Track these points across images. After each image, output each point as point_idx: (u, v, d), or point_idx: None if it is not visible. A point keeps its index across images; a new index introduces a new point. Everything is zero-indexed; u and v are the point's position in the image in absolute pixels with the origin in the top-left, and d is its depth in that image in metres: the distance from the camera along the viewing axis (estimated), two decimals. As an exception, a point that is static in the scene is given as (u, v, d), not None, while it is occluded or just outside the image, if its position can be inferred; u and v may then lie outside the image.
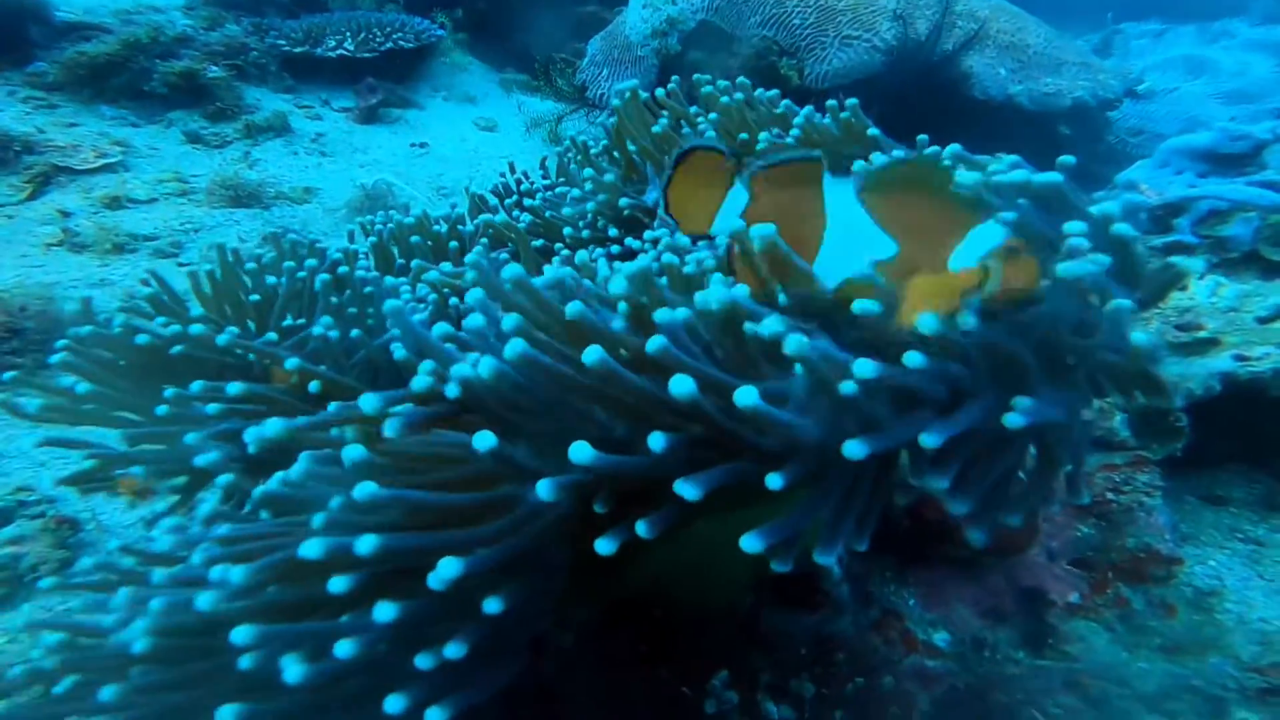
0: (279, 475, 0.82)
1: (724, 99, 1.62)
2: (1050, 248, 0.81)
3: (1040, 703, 1.15)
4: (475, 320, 0.83)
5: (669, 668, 1.12)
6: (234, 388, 1.07)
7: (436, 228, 1.85)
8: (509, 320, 0.80)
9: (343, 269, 1.45)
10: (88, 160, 3.58)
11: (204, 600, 0.73)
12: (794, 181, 0.99)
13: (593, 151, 1.92)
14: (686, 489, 0.69)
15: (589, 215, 1.73)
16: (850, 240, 0.92)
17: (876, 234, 0.90)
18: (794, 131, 1.46)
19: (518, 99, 5.55)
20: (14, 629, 1.58)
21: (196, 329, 1.22)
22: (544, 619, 0.89)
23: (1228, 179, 2.08)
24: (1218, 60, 5.92)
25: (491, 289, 0.87)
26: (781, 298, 0.87)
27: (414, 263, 1.60)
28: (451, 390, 0.78)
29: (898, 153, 1.36)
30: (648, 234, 1.65)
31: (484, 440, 0.72)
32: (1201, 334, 1.65)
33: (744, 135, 1.57)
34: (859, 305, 0.78)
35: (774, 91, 1.68)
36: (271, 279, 1.42)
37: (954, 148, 1.07)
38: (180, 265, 3.08)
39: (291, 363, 1.12)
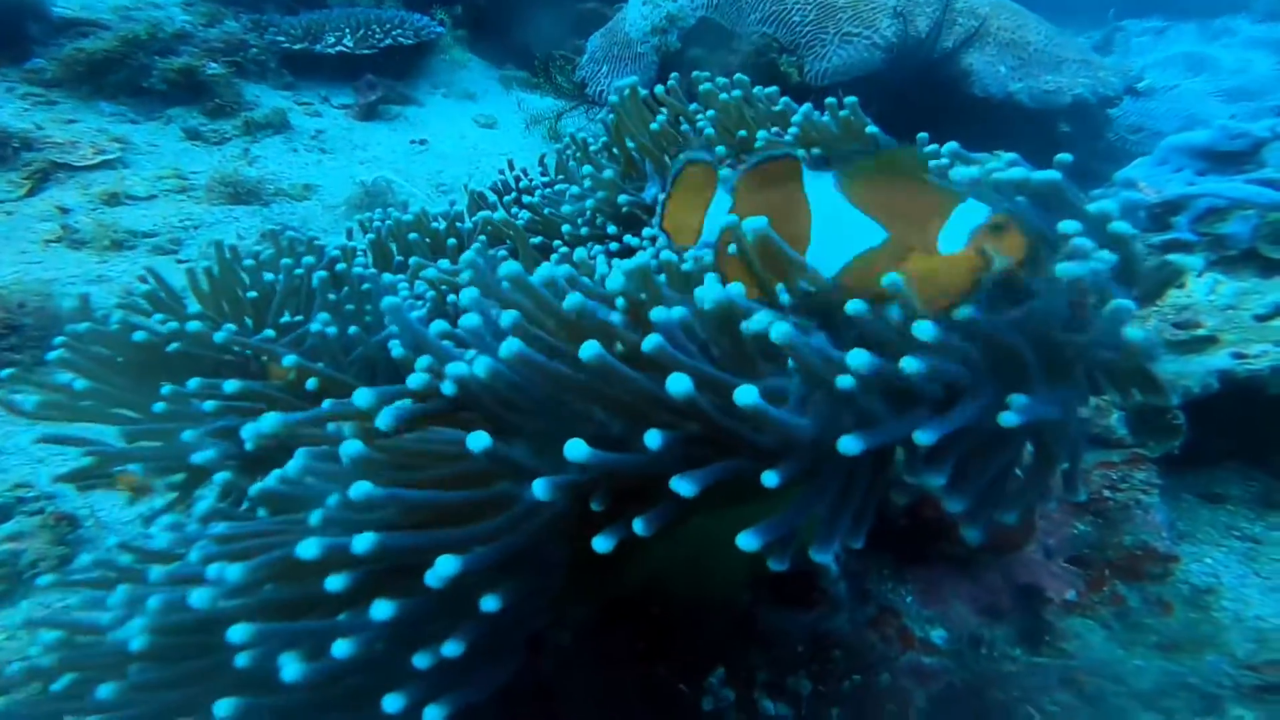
0: (276, 473, 0.82)
1: (723, 96, 1.62)
2: (1048, 245, 0.81)
3: (1037, 700, 1.16)
4: (471, 320, 0.83)
5: (666, 665, 1.12)
6: (231, 385, 1.07)
7: (435, 225, 1.85)
8: (507, 316, 0.80)
9: (340, 266, 1.45)
10: (86, 157, 3.57)
11: (201, 598, 0.73)
12: (774, 180, 1.00)
13: (592, 149, 1.92)
14: (682, 485, 0.69)
15: (588, 213, 1.73)
16: (838, 230, 0.93)
17: (864, 222, 0.91)
18: (792, 130, 1.46)
19: (517, 96, 5.54)
20: (13, 626, 1.58)
21: (194, 326, 1.22)
22: (541, 617, 0.89)
23: (1226, 177, 2.08)
24: (1219, 57, 5.91)
25: (487, 287, 0.87)
26: (784, 298, 0.87)
27: (412, 260, 1.60)
28: (448, 388, 0.78)
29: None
30: (646, 231, 1.65)
31: (478, 440, 0.72)
32: (1199, 332, 1.65)
33: (742, 133, 1.57)
34: (852, 306, 0.78)
35: (773, 88, 1.68)
36: (269, 276, 1.42)
37: (951, 145, 1.07)
38: (179, 262, 3.08)
39: (289, 359, 1.12)
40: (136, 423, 1.18)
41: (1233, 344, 1.62)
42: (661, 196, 1.29)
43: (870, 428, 0.70)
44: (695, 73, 1.76)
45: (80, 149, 3.60)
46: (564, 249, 1.68)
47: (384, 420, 0.78)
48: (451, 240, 1.77)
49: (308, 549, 0.69)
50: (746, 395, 0.69)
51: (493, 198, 2.05)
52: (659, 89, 1.79)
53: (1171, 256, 0.82)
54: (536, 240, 1.77)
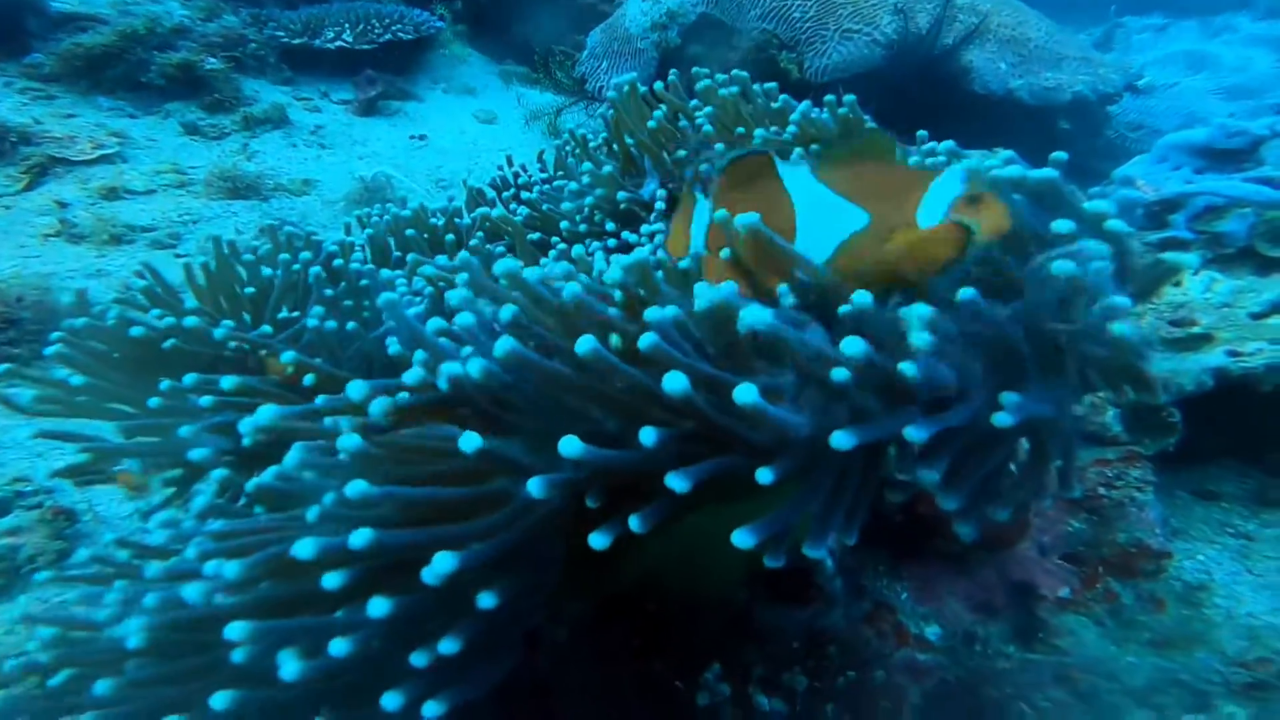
0: (273, 469, 0.82)
1: (721, 92, 1.62)
2: (1041, 242, 0.81)
3: (1030, 696, 1.16)
4: (465, 318, 0.84)
5: (662, 661, 1.12)
6: (228, 381, 1.07)
7: (433, 221, 1.85)
8: (504, 313, 0.80)
9: (338, 262, 1.45)
10: (85, 151, 3.57)
11: (198, 595, 0.74)
12: (750, 177, 1.01)
13: (591, 145, 1.92)
14: (676, 481, 0.70)
15: (586, 209, 1.73)
16: (822, 218, 0.94)
17: (845, 207, 0.92)
18: (791, 128, 1.46)
19: (517, 91, 5.53)
20: (11, 620, 1.59)
21: (191, 321, 1.22)
22: (538, 614, 0.89)
23: (1224, 175, 2.08)
24: (1219, 55, 5.91)
25: (481, 286, 0.87)
26: (788, 300, 0.87)
27: (410, 257, 1.60)
28: (443, 385, 0.78)
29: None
30: (644, 228, 1.66)
31: (470, 441, 0.72)
32: (1195, 330, 1.65)
33: (740, 129, 1.57)
34: (844, 309, 0.79)
35: (772, 84, 1.68)
36: (267, 271, 1.42)
37: (948, 144, 1.07)
38: (178, 256, 3.08)
39: (287, 356, 1.12)
40: (133, 418, 1.18)
41: (1228, 342, 1.62)
42: (667, 227, 1.31)
43: (863, 424, 0.71)
44: (695, 69, 1.76)
45: (78, 144, 3.60)
46: (562, 245, 1.68)
47: (376, 408, 0.78)
48: (450, 236, 1.77)
49: (304, 549, 0.69)
50: (746, 394, 0.69)
51: (491, 194, 2.05)
52: (659, 85, 1.79)
53: (1165, 254, 0.82)
54: (535, 236, 1.77)
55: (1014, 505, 0.77)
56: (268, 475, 0.83)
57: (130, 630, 0.77)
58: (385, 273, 1.51)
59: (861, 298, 0.78)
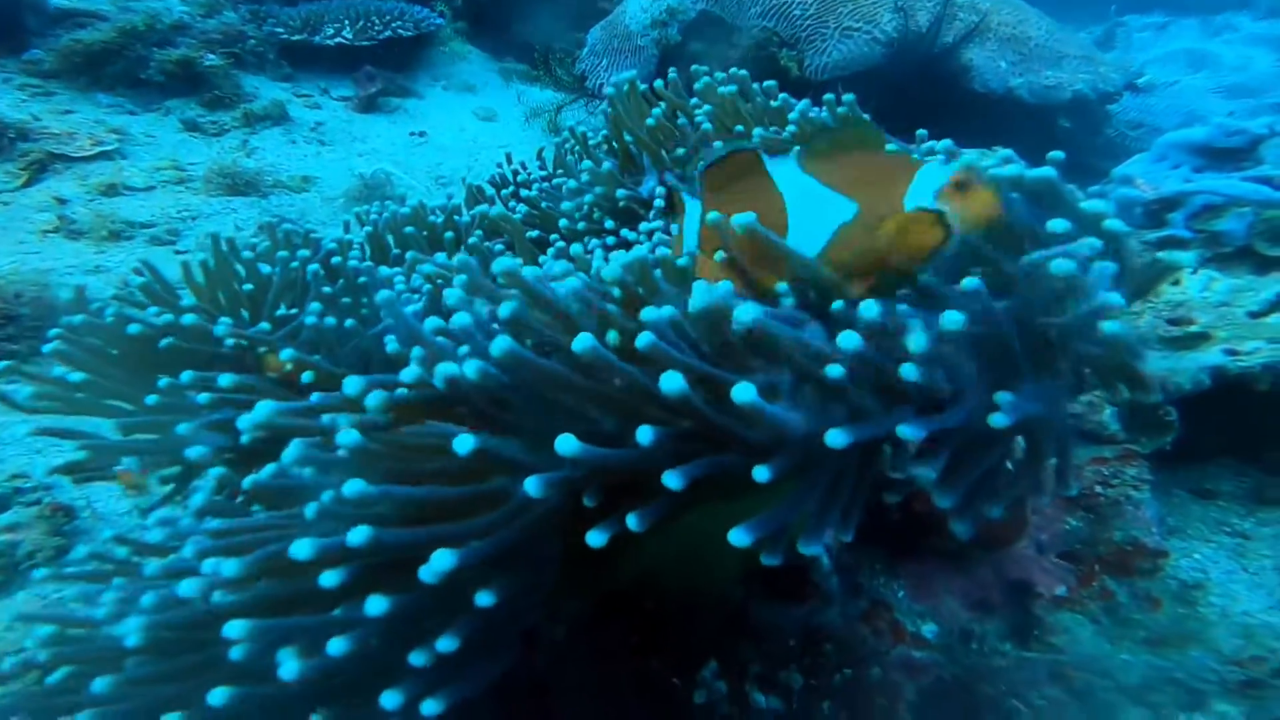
0: (270, 466, 0.82)
1: (720, 89, 1.62)
2: (1036, 240, 0.81)
3: (1025, 694, 1.17)
4: (462, 319, 0.84)
5: (660, 659, 1.13)
6: (226, 379, 1.07)
7: (432, 218, 1.85)
8: (505, 309, 0.80)
9: (336, 259, 1.45)
10: (84, 148, 3.57)
11: (196, 593, 0.74)
12: (737, 174, 1.01)
13: (591, 142, 1.92)
14: (672, 479, 0.70)
15: (585, 207, 1.73)
16: (813, 210, 0.94)
17: (834, 198, 0.92)
18: (790, 128, 1.46)
19: (517, 88, 5.53)
20: (9, 617, 1.59)
21: (189, 319, 1.22)
22: (536, 612, 0.90)
23: (1223, 174, 2.08)
24: (1220, 54, 5.91)
25: (478, 287, 0.87)
26: (788, 300, 0.88)
27: (409, 254, 1.60)
28: (439, 384, 0.78)
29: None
30: (643, 225, 1.66)
31: (463, 444, 0.72)
32: (1193, 328, 1.65)
33: (739, 127, 1.57)
34: (837, 306, 0.79)
35: (771, 82, 1.68)
36: (265, 268, 1.42)
37: (946, 143, 1.07)
38: (177, 253, 3.08)
39: (286, 353, 1.13)
40: (131, 415, 1.19)
41: (1226, 341, 1.62)
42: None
43: (858, 422, 0.71)
44: (694, 67, 1.76)
45: (78, 140, 3.59)
46: (561, 243, 1.68)
47: (372, 400, 0.78)
48: (449, 234, 1.77)
49: (301, 549, 0.69)
50: (744, 392, 0.69)
51: (490, 191, 2.04)
52: (659, 83, 1.79)
53: (1161, 254, 0.82)
54: (534, 234, 1.77)
55: (1007, 503, 0.78)
56: (265, 473, 0.83)
57: (129, 629, 0.77)
58: (384, 270, 1.51)
59: (867, 308, 0.78)
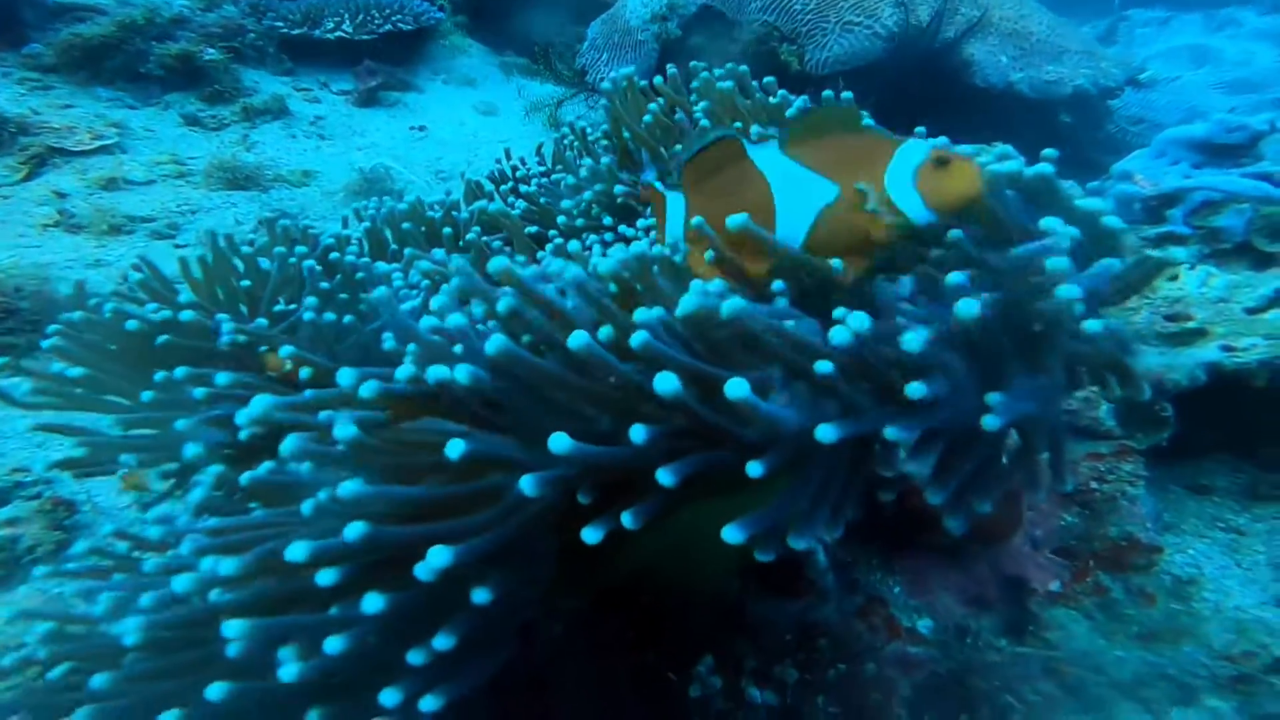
0: (268, 464, 0.83)
1: (719, 85, 1.62)
2: (1026, 235, 0.82)
3: (1019, 690, 1.17)
4: (456, 319, 0.84)
5: (656, 654, 1.13)
6: (223, 377, 1.07)
7: (431, 214, 1.85)
8: (502, 305, 0.80)
9: (334, 255, 1.46)
10: (83, 142, 3.56)
11: (194, 591, 0.74)
12: (721, 163, 1.01)
13: (591, 138, 1.92)
14: (665, 476, 0.70)
15: (584, 203, 1.73)
16: (797, 193, 0.95)
17: (816, 180, 0.93)
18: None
19: (517, 83, 5.51)
20: (10, 612, 1.60)
21: (187, 315, 1.23)
22: (532, 608, 0.90)
23: (1223, 170, 2.08)
24: (1222, 49, 5.89)
25: (473, 289, 0.88)
26: (782, 301, 0.88)
27: (407, 250, 1.60)
28: (433, 384, 0.78)
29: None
30: (641, 222, 1.66)
31: (454, 448, 0.73)
32: (1190, 324, 1.65)
33: (738, 123, 1.57)
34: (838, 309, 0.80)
35: (770, 78, 1.67)
36: (264, 264, 1.42)
37: (942, 140, 1.07)
38: (177, 247, 3.08)
39: (285, 350, 1.13)
40: (130, 410, 1.19)
41: (1223, 337, 1.62)
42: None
43: (848, 418, 0.71)
44: (693, 63, 1.75)
45: (77, 134, 3.59)
46: (559, 239, 1.68)
47: (366, 390, 0.78)
48: (447, 230, 1.78)
49: (297, 551, 0.70)
50: (737, 389, 0.70)
51: (489, 187, 2.04)
52: (658, 79, 1.79)
53: (1153, 251, 0.82)
54: (532, 230, 1.77)
55: (997, 496, 0.78)
56: (262, 469, 0.84)
57: (128, 628, 0.78)
58: (381, 266, 1.51)
59: (858, 321, 0.78)
